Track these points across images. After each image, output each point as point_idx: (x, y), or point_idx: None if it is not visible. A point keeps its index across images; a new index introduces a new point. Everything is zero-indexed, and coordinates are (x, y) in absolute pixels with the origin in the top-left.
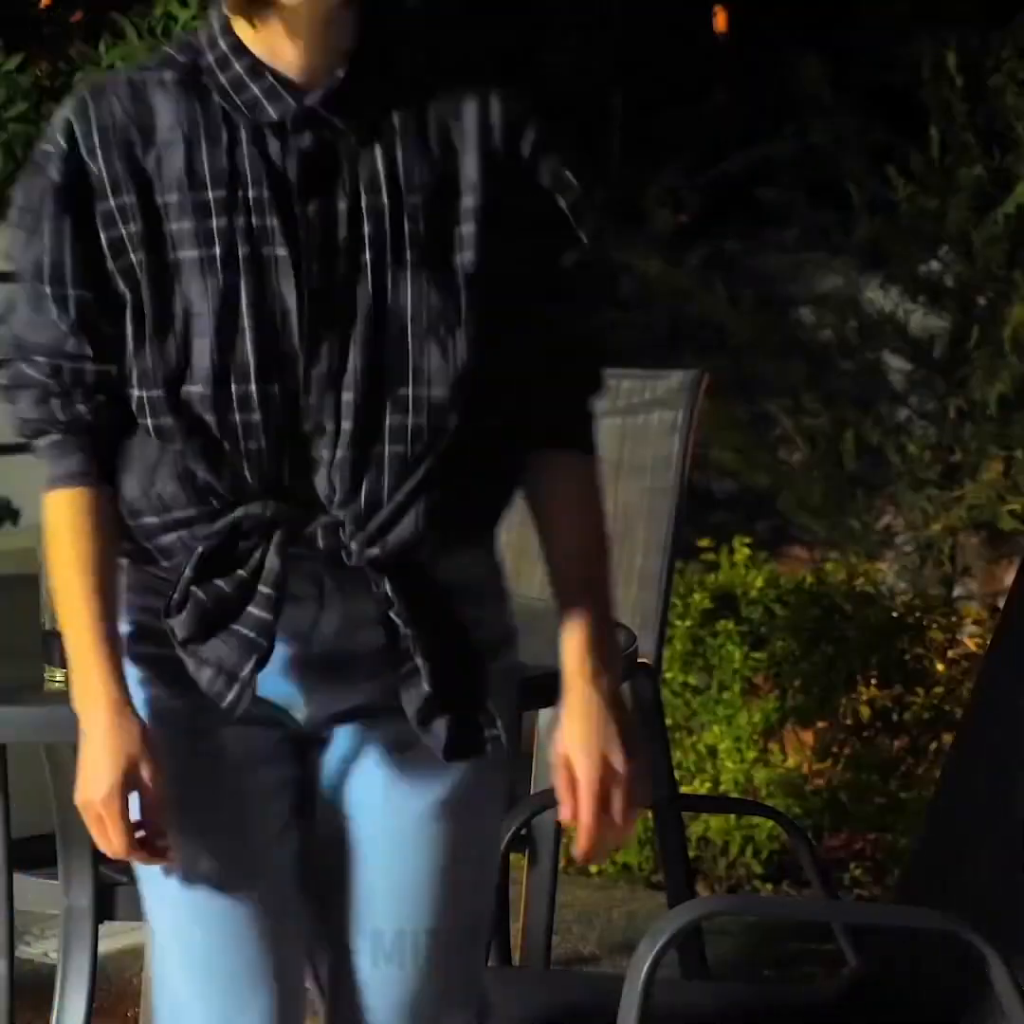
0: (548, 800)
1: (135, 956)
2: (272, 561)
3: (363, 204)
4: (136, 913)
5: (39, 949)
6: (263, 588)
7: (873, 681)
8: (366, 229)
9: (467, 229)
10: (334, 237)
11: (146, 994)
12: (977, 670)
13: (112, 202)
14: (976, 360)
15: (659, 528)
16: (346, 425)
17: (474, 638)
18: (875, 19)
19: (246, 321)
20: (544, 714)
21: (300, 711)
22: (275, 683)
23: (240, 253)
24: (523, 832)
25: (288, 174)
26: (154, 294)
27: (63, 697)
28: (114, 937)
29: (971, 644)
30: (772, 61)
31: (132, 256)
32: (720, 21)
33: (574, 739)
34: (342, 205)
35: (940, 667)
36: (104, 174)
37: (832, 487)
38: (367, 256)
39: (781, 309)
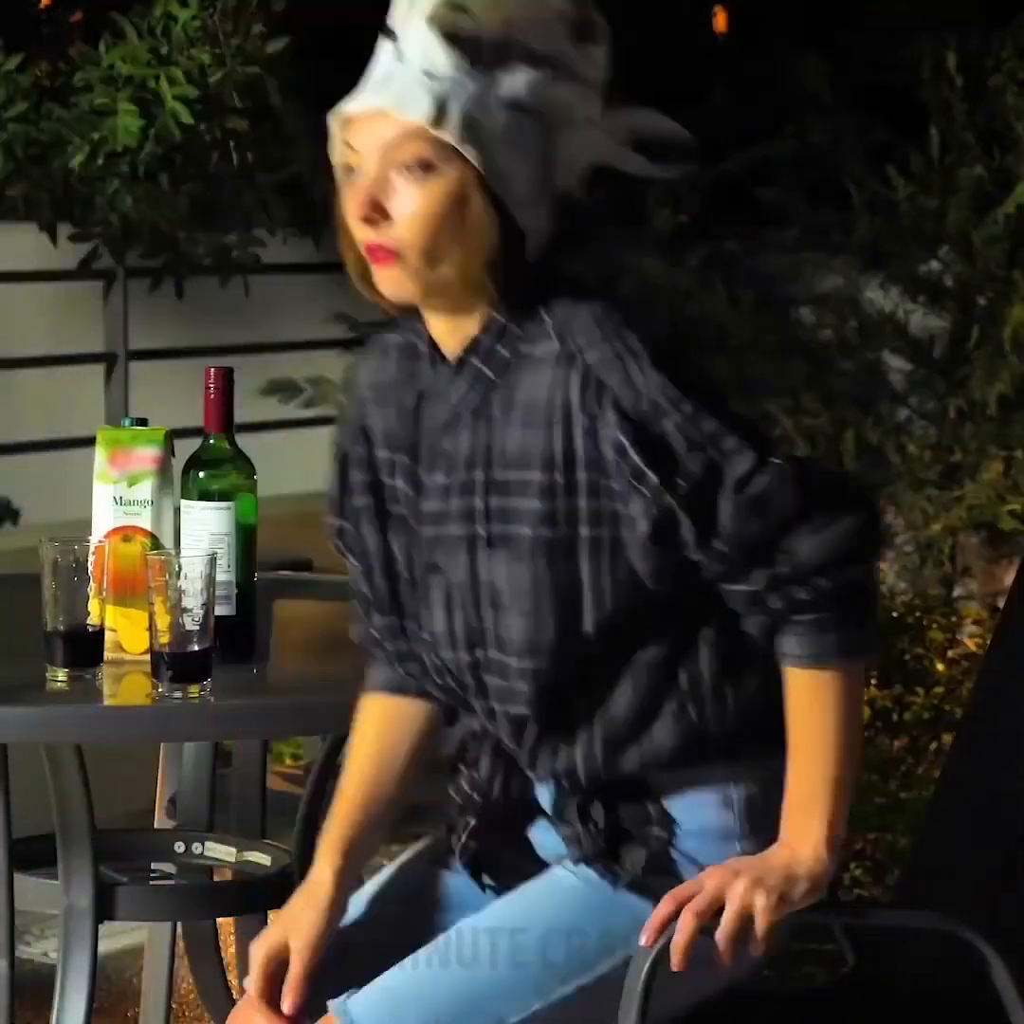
0: None
1: (135, 956)
2: (484, 769)
3: (474, 478)
4: (136, 913)
5: (39, 949)
6: (475, 795)
7: (873, 681)
8: (471, 502)
9: (528, 504)
10: (447, 506)
11: (146, 994)
12: (977, 670)
13: (350, 449)
14: (976, 360)
15: None
16: (467, 680)
17: (668, 808)
18: (875, 19)
19: (402, 571)
20: None
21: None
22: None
23: (398, 512)
24: None
25: (420, 444)
26: (366, 535)
27: (63, 697)
28: (114, 937)
29: (971, 644)
30: (772, 61)
31: (358, 499)
32: (720, 21)
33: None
34: (460, 476)
35: (940, 667)
36: (350, 425)
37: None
38: (462, 529)
39: (781, 309)
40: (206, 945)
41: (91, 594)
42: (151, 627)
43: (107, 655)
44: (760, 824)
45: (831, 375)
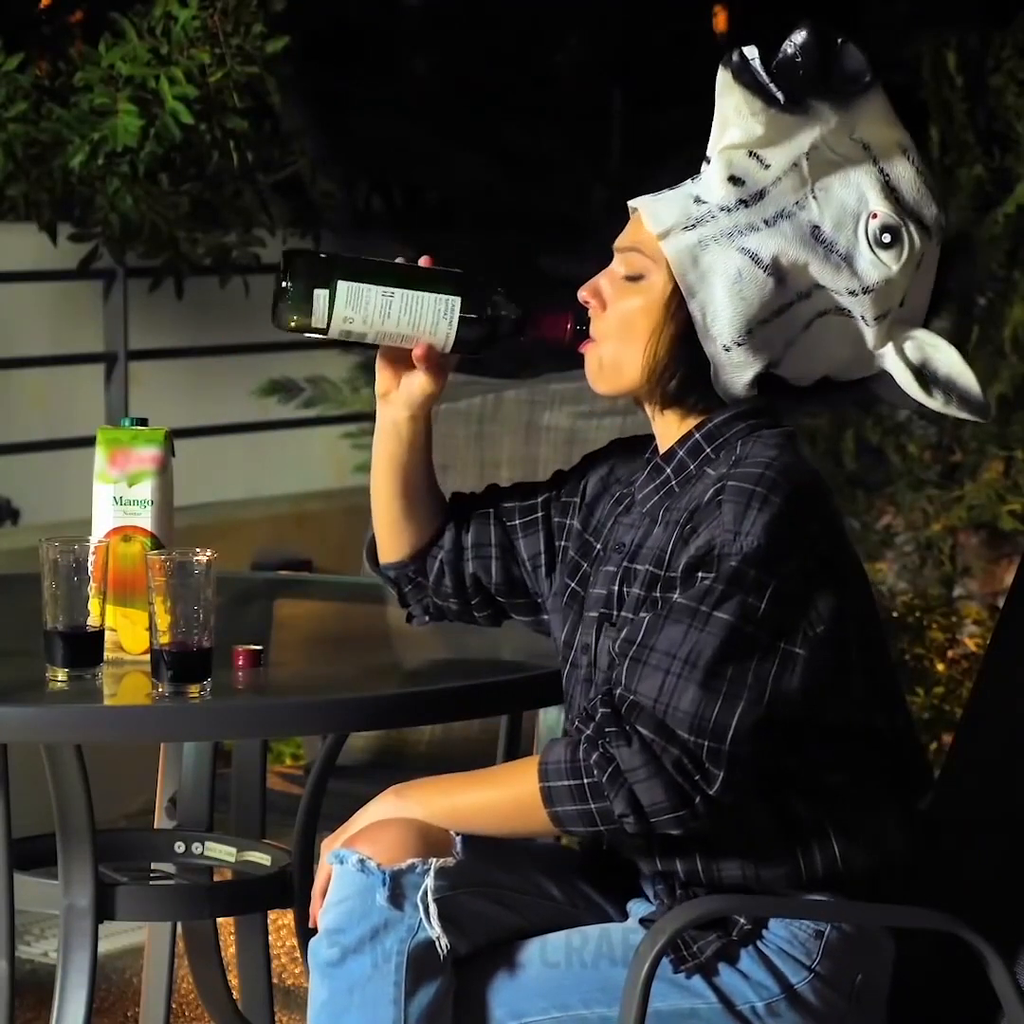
0: None
1: (135, 956)
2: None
3: (621, 567)
4: (136, 913)
5: (39, 949)
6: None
7: None
8: (613, 589)
9: (636, 592)
10: (605, 591)
11: (146, 994)
12: (977, 670)
13: (571, 521)
14: (976, 360)
15: None
16: None
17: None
18: (875, 19)
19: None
20: (544, 714)
21: None
22: None
23: (576, 590)
24: None
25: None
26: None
27: (63, 697)
28: (114, 937)
29: (971, 644)
30: None
31: (558, 542)
32: (720, 21)
33: None
34: (619, 566)
35: (940, 667)
36: (580, 489)
37: (832, 487)
38: (603, 611)
39: None
40: (206, 945)
41: (91, 594)
42: (151, 627)
43: (107, 655)
44: (831, 966)
45: None
